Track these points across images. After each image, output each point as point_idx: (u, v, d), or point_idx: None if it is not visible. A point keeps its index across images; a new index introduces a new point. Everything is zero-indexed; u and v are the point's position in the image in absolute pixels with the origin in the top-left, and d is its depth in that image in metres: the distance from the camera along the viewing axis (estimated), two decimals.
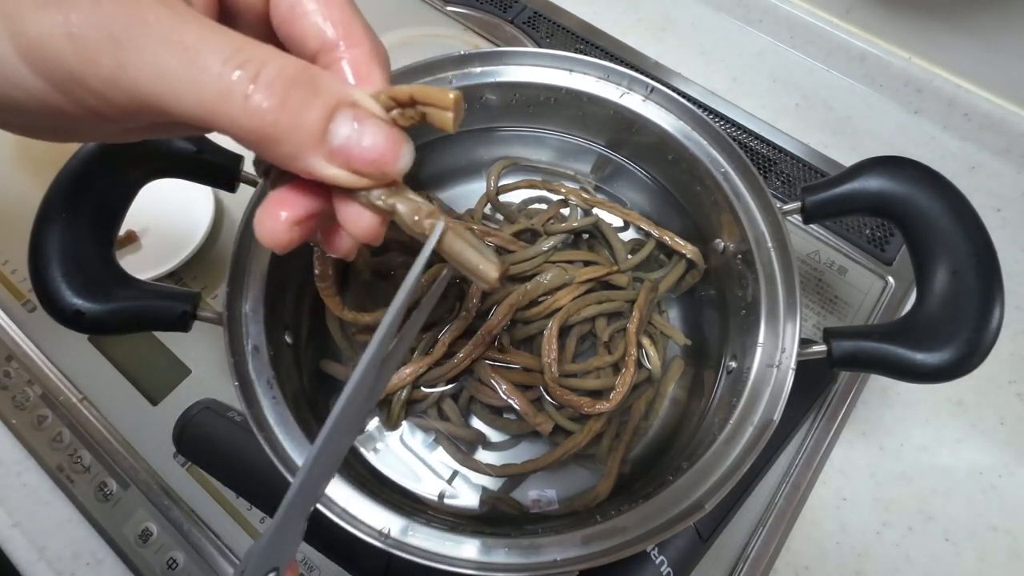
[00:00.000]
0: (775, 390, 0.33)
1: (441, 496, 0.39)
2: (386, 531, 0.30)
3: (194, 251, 0.49)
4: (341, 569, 0.38)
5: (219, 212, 0.51)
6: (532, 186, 0.48)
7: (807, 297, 0.49)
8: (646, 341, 0.42)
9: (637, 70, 0.45)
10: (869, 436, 0.45)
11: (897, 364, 0.32)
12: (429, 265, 0.21)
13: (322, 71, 0.17)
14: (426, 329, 0.41)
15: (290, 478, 0.30)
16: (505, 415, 0.41)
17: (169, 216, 0.50)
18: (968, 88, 0.56)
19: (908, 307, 0.40)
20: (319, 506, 0.30)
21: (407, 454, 0.40)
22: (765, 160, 0.55)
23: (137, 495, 0.42)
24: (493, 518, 0.38)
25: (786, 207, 0.37)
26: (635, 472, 0.39)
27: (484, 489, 0.39)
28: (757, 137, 0.56)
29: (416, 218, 0.19)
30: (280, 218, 0.18)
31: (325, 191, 0.18)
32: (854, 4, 0.57)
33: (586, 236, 0.46)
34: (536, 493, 0.39)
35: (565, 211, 0.46)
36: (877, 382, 0.47)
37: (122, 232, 0.38)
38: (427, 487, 0.39)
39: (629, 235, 0.47)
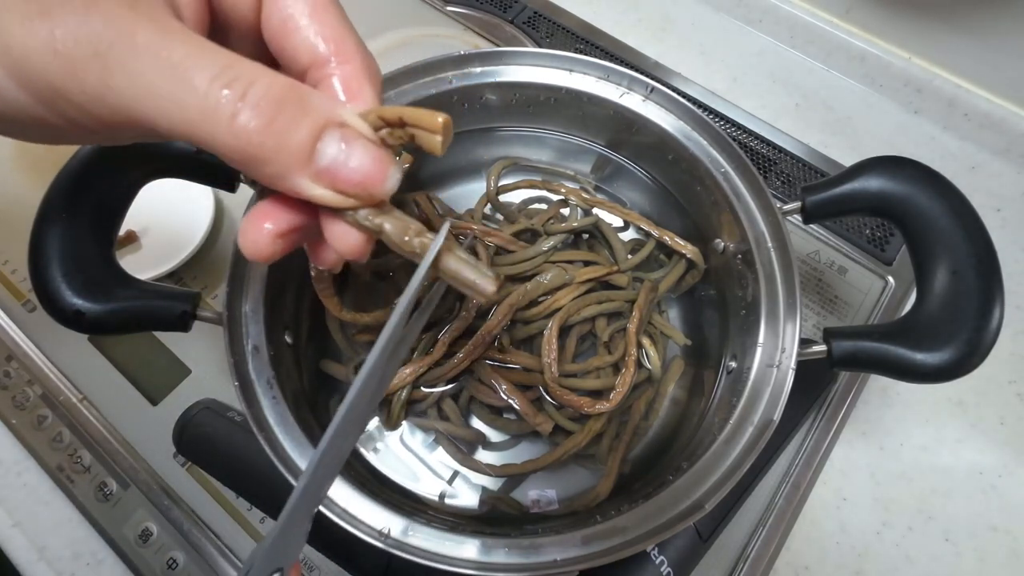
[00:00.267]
0: (775, 390, 0.33)
1: (441, 496, 0.39)
2: (386, 531, 0.30)
3: (194, 251, 0.49)
4: (341, 569, 0.38)
5: (219, 212, 0.51)
6: (532, 186, 0.48)
7: (807, 297, 0.49)
8: (646, 341, 0.42)
9: (637, 70, 0.45)
10: (869, 436, 0.45)
11: (897, 364, 0.32)
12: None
13: (311, 90, 0.16)
14: (426, 329, 0.41)
15: (290, 478, 0.31)
16: (505, 415, 0.41)
17: (169, 216, 0.50)
18: (968, 88, 0.56)
19: (908, 307, 0.40)
20: (320, 506, 0.30)
21: (407, 454, 0.40)
22: (765, 160, 0.55)
23: (137, 495, 0.42)
24: (493, 518, 0.38)
25: (786, 207, 0.37)
26: (635, 472, 0.39)
27: (484, 489, 0.39)
28: (757, 137, 0.56)
29: (405, 237, 0.18)
30: (264, 230, 0.18)
31: (311, 206, 0.18)
32: (854, 4, 0.57)
33: (586, 236, 0.46)
34: (536, 493, 0.39)
35: (565, 211, 0.46)
36: (877, 382, 0.47)
37: (122, 232, 0.38)
38: (427, 487, 0.39)
39: (629, 235, 0.47)
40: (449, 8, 0.63)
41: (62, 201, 0.32)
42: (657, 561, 0.36)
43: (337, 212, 0.18)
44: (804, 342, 0.34)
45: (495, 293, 0.19)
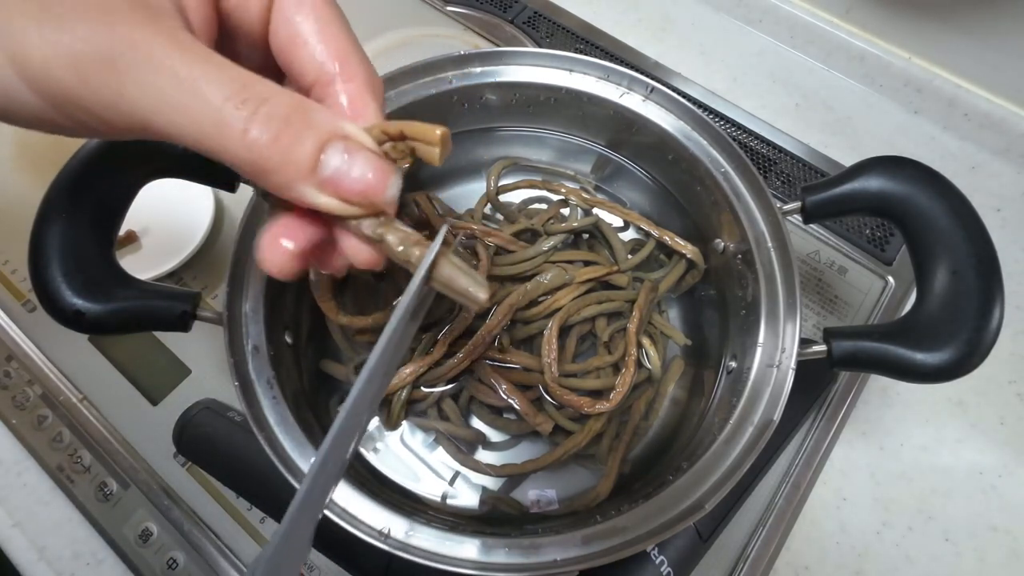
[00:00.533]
0: (775, 390, 0.33)
1: (442, 496, 0.39)
2: (386, 531, 0.30)
3: (194, 251, 0.49)
4: (341, 569, 0.38)
5: (219, 212, 0.51)
6: (532, 186, 0.48)
7: (807, 297, 0.49)
8: (646, 341, 0.42)
9: (637, 70, 0.45)
10: (869, 436, 0.45)
11: (897, 364, 0.32)
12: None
13: (316, 106, 0.17)
14: (426, 329, 0.41)
15: (290, 478, 0.31)
16: (505, 415, 0.41)
17: (169, 216, 0.50)
18: (968, 88, 0.56)
19: (908, 307, 0.40)
20: (324, 511, 0.30)
21: (407, 454, 0.40)
22: (765, 160, 0.55)
23: (137, 495, 0.42)
24: (493, 518, 0.38)
25: (786, 207, 0.37)
26: (635, 472, 0.39)
27: (484, 489, 0.39)
28: (757, 137, 0.56)
29: (402, 247, 0.19)
30: (283, 249, 0.18)
31: (325, 219, 0.19)
32: (854, 4, 0.57)
33: (586, 236, 0.46)
34: (536, 493, 0.39)
35: (565, 211, 0.46)
36: (877, 382, 0.47)
37: (122, 232, 0.38)
38: (427, 487, 0.39)
39: (629, 235, 0.47)
40: (449, 8, 0.63)
41: (62, 201, 0.32)
42: (657, 561, 0.36)
43: (342, 223, 0.18)
44: (804, 342, 0.34)
45: (487, 301, 0.20)
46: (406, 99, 0.40)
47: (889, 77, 0.58)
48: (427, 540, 0.30)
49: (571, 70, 0.42)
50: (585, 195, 0.46)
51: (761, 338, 0.35)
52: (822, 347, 0.33)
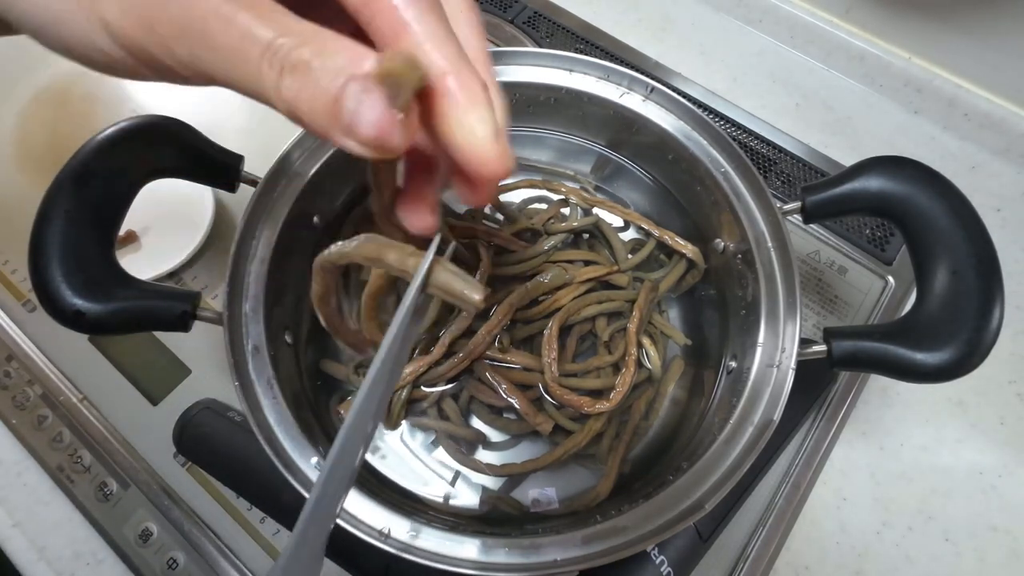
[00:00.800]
0: (775, 390, 0.33)
1: (442, 496, 0.39)
2: (386, 531, 0.30)
3: (194, 251, 0.49)
4: (341, 569, 0.38)
5: (219, 212, 0.51)
6: (532, 186, 0.48)
7: (807, 297, 0.49)
8: (646, 341, 0.42)
9: (637, 70, 0.45)
10: (869, 436, 0.45)
11: (897, 364, 0.32)
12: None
13: (335, 45, 0.16)
14: (426, 329, 0.41)
15: (290, 478, 0.31)
16: (505, 415, 0.41)
17: (169, 216, 0.50)
18: (968, 88, 0.56)
19: (908, 307, 0.40)
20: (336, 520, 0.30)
21: (407, 454, 0.40)
22: (765, 160, 0.55)
23: (137, 495, 0.42)
24: (493, 518, 0.38)
25: (786, 207, 0.37)
26: (635, 472, 0.39)
27: (484, 489, 0.39)
28: (757, 137, 0.56)
29: (398, 261, 0.20)
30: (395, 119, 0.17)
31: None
32: (854, 4, 0.57)
33: (586, 236, 0.46)
34: (536, 493, 0.39)
35: (565, 211, 0.46)
36: (877, 382, 0.47)
37: (122, 232, 0.38)
38: (427, 487, 0.39)
39: (629, 235, 0.47)
40: None
41: (62, 201, 0.32)
42: (657, 561, 0.36)
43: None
44: (804, 342, 0.34)
45: (482, 303, 0.20)
46: None
47: (889, 77, 0.58)
48: (427, 540, 0.30)
49: (571, 70, 0.42)
50: (585, 195, 0.46)
51: (761, 338, 0.35)
52: (822, 347, 0.33)
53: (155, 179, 0.36)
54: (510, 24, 0.62)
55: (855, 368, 0.34)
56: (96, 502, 0.42)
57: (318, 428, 0.35)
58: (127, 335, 0.41)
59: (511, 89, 0.42)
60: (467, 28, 0.19)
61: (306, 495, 0.31)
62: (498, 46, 0.60)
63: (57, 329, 0.32)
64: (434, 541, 0.30)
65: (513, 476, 0.40)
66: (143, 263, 0.48)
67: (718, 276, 0.42)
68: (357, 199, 0.43)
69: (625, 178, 0.47)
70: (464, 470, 0.40)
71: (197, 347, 0.47)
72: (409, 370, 0.39)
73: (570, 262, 0.44)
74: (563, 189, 0.46)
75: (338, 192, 0.42)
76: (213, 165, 0.37)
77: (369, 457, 0.40)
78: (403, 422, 0.41)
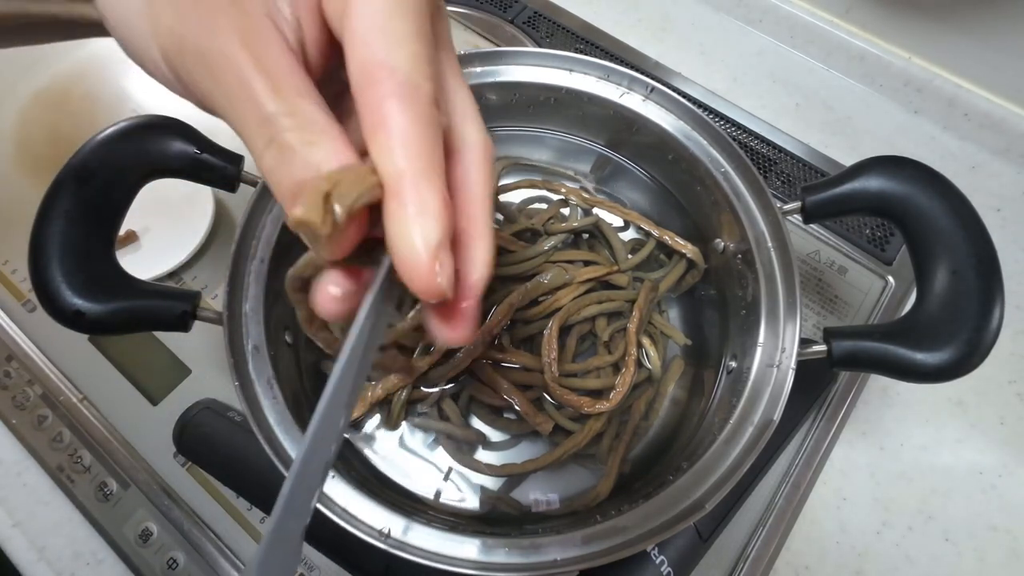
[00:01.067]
0: (775, 390, 0.33)
1: (442, 496, 0.39)
2: (386, 531, 0.30)
3: (194, 251, 0.49)
4: (341, 569, 0.38)
5: (219, 212, 0.51)
6: (532, 186, 0.48)
7: (807, 297, 0.49)
8: (646, 341, 0.42)
9: (637, 70, 0.45)
10: (869, 436, 0.45)
11: (897, 364, 0.32)
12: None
13: (321, 144, 0.16)
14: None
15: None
16: (505, 415, 0.41)
17: (169, 216, 0.50)
18: (968, 88, 0.56)
19: (908, 307, 0.40)
20: (320, 506, 0.30)
21: (407, 454, 0.40)
22: (765, 160, 0.55)
23: (137, 495, 0.42)
24: (493, 518, 0.38)
25: (786, 207, 0.37)
26: (635, 472, 0.39)
27: (484, 489, 0.39)
28: (757, 137, 0.56)
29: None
30: (331, 295, 0.19)
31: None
32: (854, 4, 0.57)
33: (586, 236, 0.46)
34: (536, 493, 0.39)
35: (565, 211, 0.46)
36: (877, 382, 0.47)
37: (122, 232, 0.38)
38: (427, 487, 0.39)
39: (629, 235, 0.47)
40: (449, 8, 0.63)
41: (62, 201, 0.32)
42: (657, 561, 0.36)
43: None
44: (804, 342, 0.34)
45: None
46: None
47: (889, 77, 0.58)
48: (427, 540, 0.30)
49: (571, 70, 0.42)
50: (585, 195, 0.46)
51: (761, 338, 0.35)
52: (822, 347, 0.33)
53: (155, 179, 0.36)
54: (510, 24, 0.62)
55: (855, 368, 0.34)
56: (96, 502, 0.42)
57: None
58: (127, 335, 0.41)
59: (511, 89, 0.42)
60: (475, 173, 0.19)
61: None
62: (498, 46, 0.60)
63: (57, 329, 0.32)
64: (434, 541, 0.30)
65: (513, 476, 0.40)
66: (143, 263, 0.48)
67: (718, 276, 0.42)
68: None
69: (625, 178, 0.47)
70: (464, 470, 0.40)
71: (197, 347, 0.47)
72: None
73: (570, 262, 0.44)
74: (563, 189, 0.46)
75: None
76: (213, 165, 0.37)
77: (369, 457, 0.40)
78: (403, 422, 0.41)
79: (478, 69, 0.42)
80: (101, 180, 0.33)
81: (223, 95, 0.17)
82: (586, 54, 0.44)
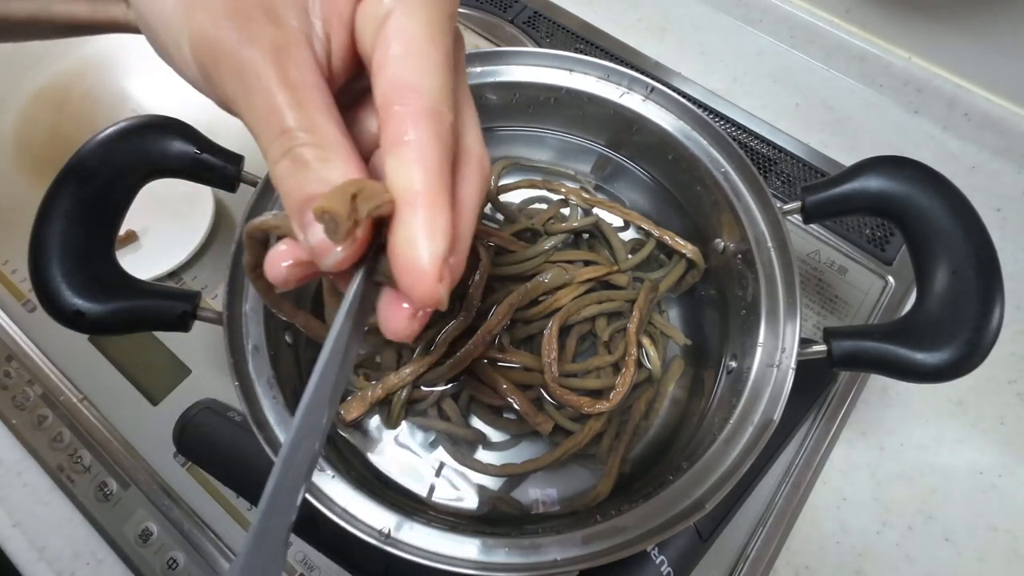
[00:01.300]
0: (775, 390, 0.33)
1: (442, 496, 0.39)
2: (386, 531, 0.30)
3: (194, 251, 0.49)
4: (341, 569, 0.38)
5: (219, 212, 0.51)
6: (532, 186, 0.48)
7: (807, 297, 0.49)
8: (646, 341, 0.42)
9: (637, 70, 0.45)
10: (869, 436, 0.45)
11: (897, 364, 0.32)
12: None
13: (336, 164, 0.17)
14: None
15: None
16: (505, 415, 0.41)
17: (169, 216, 0.50)
18: (968, 88, 0.56)
19: (908, 307, 0.40)
20: (320, 506, 0.30)
21: (407, 454, 0.40)
22: (765, 160, 0.55)
23: (137, 495, 0.42)
24: (493, 518, 0.38)
25: (786, 207, 0.37)
26: (635, 472, 0.39)
27: (484, 489, 0.39)
28: (757, 137, 0.56)
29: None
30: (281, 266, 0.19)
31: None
32: (854, 4, 0.57)
33: (586, 236, 0.46)
34: (536, 493, 0.39)
35: (565, 211, 0.46)
36: (877, 382, 0.47)
37: (122, 232, 0.38)
38: (427, 487, 0.39)
39: (629, 235, 0.47)
40: None
41: (62, 201, 0.32)
42: (657, 561, 0.36)
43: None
44: (804, 342, 0.34)
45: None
46: None
47: (889, 77, 0.58)
48: (427, 540, 0.30)
49: (571, 70, 0.42)
50: (585, 195, 0.46)
51: (761, 338, 0.35)
52: (822, 347, 0.33)
53: (155, 179, 0.36)
54: (510, 24, 0.62)
55: (855, 368, 0.34)
56: (96, 502, 0.42)
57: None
58: (127, 335, 0.41)
59: (511, 89, 0.42)
60: (471, 185, 0.20)
61: (305, 494, 0.31)
62: (498, 46, 0.60)
63: (57, 329, 0.32)
64: (434, 541, 0.30)
65: (513, 476, 0.40)
66: (143, 263, 0.48)
67: (718, 276, 0.42)
68: None
69: (625, 178, 0.47)
70: (464, 470, 0.40)
71: (197, 347, 0.47)
72: (409, 370, 0.39)
73: (570, 262, 0.44)
74: (563, 189, 0.46)
75: None
76: (213, 165, 0.37)
77: (369, 456, 0.40)
78: (403, 422, 0.41)
79: (478, 69, 0.42)
80: (101, 180, 0.33)
81: (246, 101, 0.17)
82: (586, 54, 0.44)
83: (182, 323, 0.34)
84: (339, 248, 0.17)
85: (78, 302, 0.31)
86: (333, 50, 0.19)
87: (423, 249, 0.16)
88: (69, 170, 0.33)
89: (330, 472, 0.32)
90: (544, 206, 0.47)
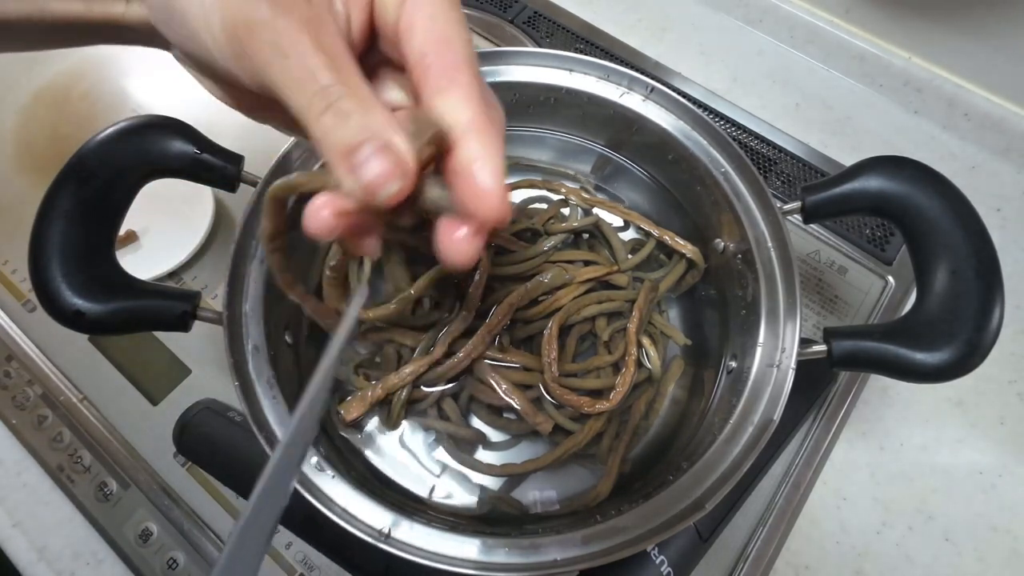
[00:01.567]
0: (775, 390, 0.33)
1: (441, 496, 0.39)
2: (386, 531, 0.30)
3: (194, 251, 0.49)
4: (341, 569, 0.38)
5: (219, 212, 0.51)
6: (532, 186, 0.48)
7: (807, 297, 0.49)
8: (646, 341, 0.42)
9: (637, 70, 0.45)
10: (869, 436, 0.45)
11: (897, 364, 0.32)
12: None
13: (376, 113, 0.19)
14: (426, 329, 0.41)
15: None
16: (505, 415, 0.41)
17: (169, 216, 0.50)
18: (968, 88, 0.56)
19: (908, 307, 0.40)
20: (320, 506, 0.30)
21: (407, 454, 0.40)
22: (765, 160, 0.55)
23: (137, 495, 0.42)
24: (493, 518, 0.38)
25: (786, 207, 0.37)
26: (635, 472, 0.39)
27: (484, 489, 0.39)
28: (757, 137, 0.56)
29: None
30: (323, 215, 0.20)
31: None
32: (854, 4, 0.57)
33: (586, 236, 0.46)
34: (536, 493, 0.39)
35: (565, 211, 0.46)
36: (877, 382, 0.47)
37: (122, 232, 0.38)
38: (427, 487, 0.39)
39: (629, 235, 0.47)
40: None
41: (62, 200, 0.32)
42: (657, 561, 0.36)
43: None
44: (804, 342, 0.34)
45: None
46: None
47: (889, 77, 0.58)
48: (427, 540, 0.30)
49: (571, 70, 0.42)
50: (585, 195, 0.46)
51: (761, 338, 0.35)
52: (822, 347, 0.33)
53: (155, 179, 0.36)
54: (510, 24, 0.62)
55: (855, 368, 0.34)
56: (96, 502, 0.42)
57: (318, 427, 0.35)
58: (127, 335, 0.41)
59: (511, 89, 0.42)
60: (500, 126, 0.22)
61: (305, 494, 0.31)
62: (498, 46, 0.60)
63: (57, 329, 0.32)
64: (434, 541, 0.30)
65: (513, 476, 0.40)
66: (143, 263, 0.48)
67: (718, 276, 0.42)
68: None
69: (625, 178, 0.47)
70: (464, 470, 0.40)
71: (197, 347, 0.47)
72: (409, 370, 0.39)
73: (570, 262, 0.44)
74: (563, 189, 0.46)
75: None
76: (213, 165, 0.37)
77: (369, 456, 0.40)
78: (403, 422, 0.41)
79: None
80: (101, 180, 0.33)
81: (283, 66, 0.19)
82: (586, 54, 0.44)
83: (182, 323, 0.34)
84: (397, 177, 0.18)
85: (78, 302, 0.31)
86: (352, 27, 0.21)
87: (487, 167, 0.19)
88: (69, 170, 0.33)
89: (330, 472, 0.32)
90: (544, 206, 0.47)
